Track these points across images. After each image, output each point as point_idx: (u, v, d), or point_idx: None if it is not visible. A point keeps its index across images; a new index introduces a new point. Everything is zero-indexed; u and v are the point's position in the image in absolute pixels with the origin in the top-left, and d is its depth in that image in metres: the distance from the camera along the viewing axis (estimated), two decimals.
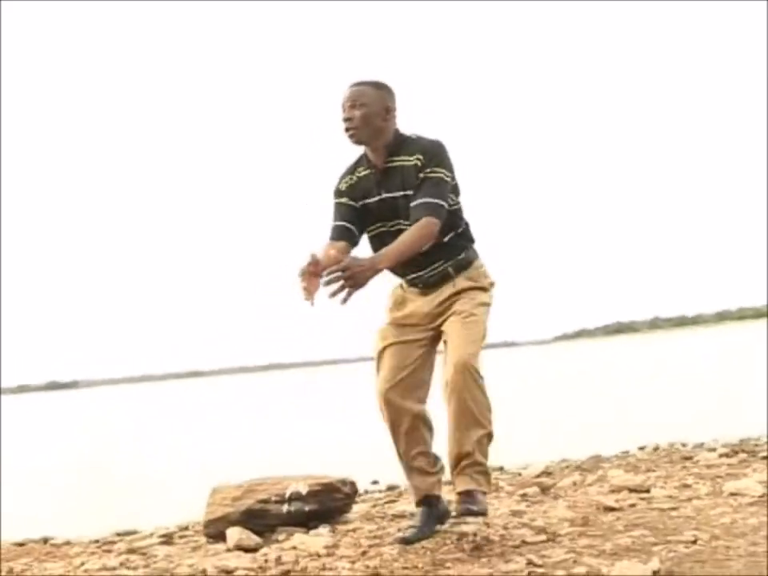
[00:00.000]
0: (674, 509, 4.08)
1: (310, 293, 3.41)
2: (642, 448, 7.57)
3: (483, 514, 3.65)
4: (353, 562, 3.45)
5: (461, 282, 3.76)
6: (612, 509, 4.17)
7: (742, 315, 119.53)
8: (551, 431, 11.22)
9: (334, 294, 3.28)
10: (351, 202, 3.77)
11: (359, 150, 3.80)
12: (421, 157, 3.62)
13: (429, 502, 3.79)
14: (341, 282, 3.26)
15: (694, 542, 3.41)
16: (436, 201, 3.57)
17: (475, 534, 3.69)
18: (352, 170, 3.82)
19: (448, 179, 3.64)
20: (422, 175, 3.60)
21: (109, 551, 4.43)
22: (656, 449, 7.32)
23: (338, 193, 3.82)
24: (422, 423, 3.73)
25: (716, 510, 3.97)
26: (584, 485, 5.12)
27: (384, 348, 3.78)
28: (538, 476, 5.72)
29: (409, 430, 3.71)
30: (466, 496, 3.59)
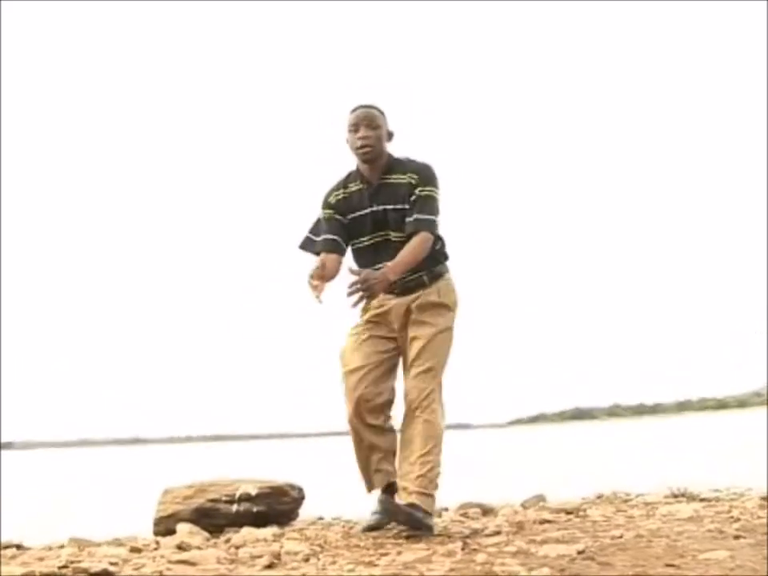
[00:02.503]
0: (606, 520, 4.43)
1: (319, 292, 3.92)
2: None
3: (430, 529, 3.92)
4: (299, 541, 3.74)
5: (431, 292, 4.19)
6: (548, 521, 4.50)
7: (703, 406, 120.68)
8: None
9: (355, 304, 3.82)
10: (339, 216, 4.22)
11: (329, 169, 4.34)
12: (414, 176, 4.12)
13: (392, 491, 4.18)
14: (360, 293, 3.77)
15: (620, 537, 3.75)
16: (430, 217, 4.07)
17: None
18: (343, 185, 4.28)
19: (438, 197, 4.13)
20: (416, 192, 4.08)
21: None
22: (599, 496, 7.62)
23: (328, 206, 4.27)
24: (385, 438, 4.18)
25: (646, 521, 4.31)
26: (524, 510, 5.45)
27: (356, 343, 4.19)
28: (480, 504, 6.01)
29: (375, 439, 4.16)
30: (413, 508, 3.90)
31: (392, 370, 4.20)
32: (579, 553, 3.31)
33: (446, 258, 4.29)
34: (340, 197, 4.24)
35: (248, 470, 5.16)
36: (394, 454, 4.16)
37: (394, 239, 4.12)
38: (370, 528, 4.14)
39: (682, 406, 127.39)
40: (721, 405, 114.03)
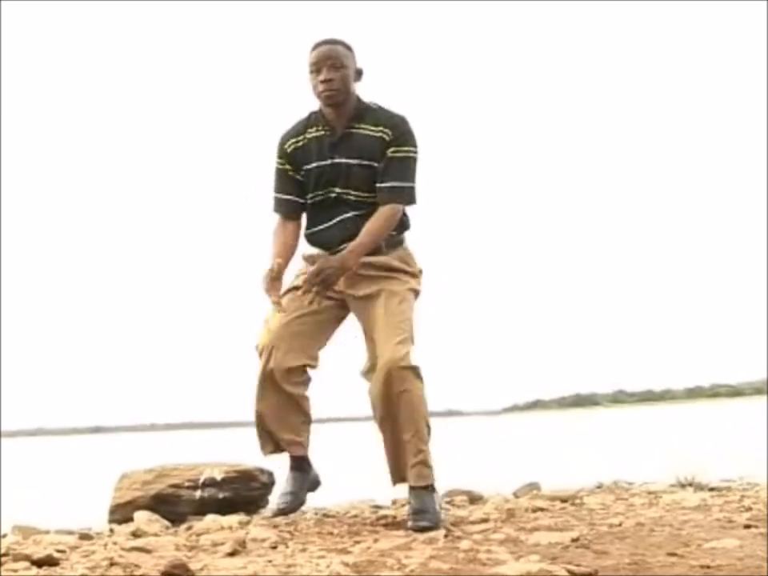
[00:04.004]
0: (604, 508, 4.44)
1: (280, 303, 3.83)
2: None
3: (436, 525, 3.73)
4: (266, 528, 3.74)
5: (392, 260, 4.00)
6: (540, 509, 4.50)
7: (714, 393, 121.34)
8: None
9: (310, 302, 3.71)
10: (293, 171, 4.02)
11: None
12: (388, 131, 3.90)
13: (301, 466, 4.13)
14: (315, 288, 3.67)
15: (619, 525, 3.76)
16: (404, 184, 3.90)
17: (395, 517, 4.01)
18: (301, 130, 4.05)
19: (414, 155, 3.94)
20: (389, 152, 3.88)
21: None
22: (599, 486, 7.65)
23: (284, 154, 4.05)
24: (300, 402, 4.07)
25: (648, 510, 4.32)
26: (515, 498, 5.45)
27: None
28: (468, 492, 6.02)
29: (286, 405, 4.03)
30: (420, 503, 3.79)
31: (322, 332, 4.06)
32: (573, 540, 3.31)
33: (406, 227, 4.10)
34: (299, 144, 4.02)
35: (217, 458, 5.13)
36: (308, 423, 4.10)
37: (353, 198, 3.95)
38: (282, 512, 4.07)
39: (693, 393, 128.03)
40: (735, 392, 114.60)
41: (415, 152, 3.95)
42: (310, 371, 4.06)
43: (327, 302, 3.94)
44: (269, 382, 3.96)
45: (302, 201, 4.05)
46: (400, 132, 3.92)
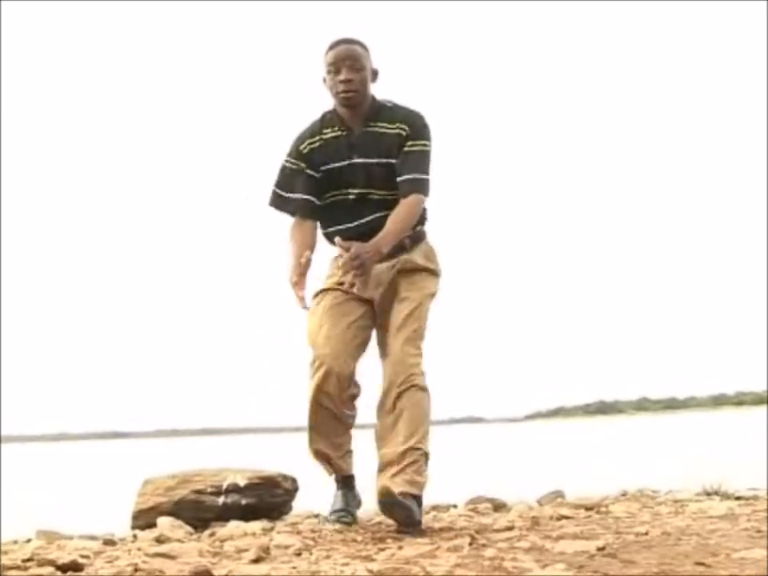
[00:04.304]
0: (630, 517, 4.41)
1: (303, 299, 3.86)
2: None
3: (418, 524, 3.83)
4: (290, 535, 3.73)
5: (416, 257, 4.07)
6: (565, 517, 4.48)
7: (740, 401, 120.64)
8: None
9: (351, 286, 3.72)
10: (311, 171, 4.02)
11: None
12: (405, 127, 3.95)
13: (351, 484, 4.20)
14: (353, 273, 3.66)
15: (645, 534, 3.73)
16: (423, 176, 3.94)
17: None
18: (317, 130, 4.05)
19: (430, 149, 3.97)
20: (406, 147, 3.92)
21: None
22: (624, 494, 7.61)
23: (300, 156, 4.05)
24: (350, 408, 4.10)
25: (674, 519, 4.29)
26: (539, 506, 5.43)
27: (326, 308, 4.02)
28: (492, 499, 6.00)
29: (340, 415, 4.06)
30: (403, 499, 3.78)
31: (362, 346, 4.07)
32: (599, 549, 3.28)
33: (426, 219, 4.16)
34: (315, 145, 4.03)
35: (239, 463, 5.13)
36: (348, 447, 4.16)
37: (375, 197, 3.99)
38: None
39: (718, 401, 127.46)
40: (760, 399, 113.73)
41: (430, 146, 3.99)
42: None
43: (362, 306, 4.02)
44: (325, 398, 3.98)
45: (317, 201, 4.06)
46: (417, 127, 3.98)
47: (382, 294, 4.04)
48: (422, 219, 4.10)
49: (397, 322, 3.96)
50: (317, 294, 4.06)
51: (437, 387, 4.03)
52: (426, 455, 3.89)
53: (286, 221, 4.13)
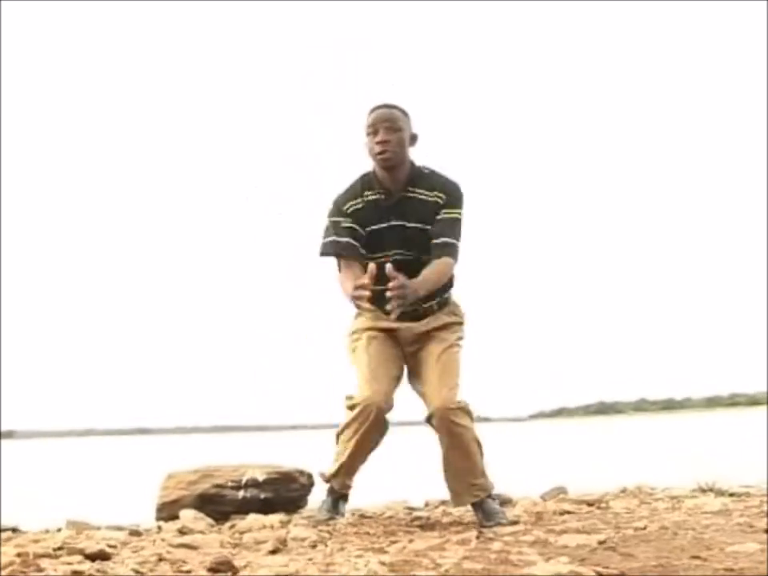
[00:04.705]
0: (629, 512, 4.41)
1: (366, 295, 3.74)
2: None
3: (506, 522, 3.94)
4: (306, 528, 3.74)
5: (443, 317, 4.11)
6: (568, 512, 4.48)
7: (733, 402, 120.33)
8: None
9: (394, 310, 3.61)
10: (356, 226, 3.96)
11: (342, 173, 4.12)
12: (442, 195, 3.95)
13: (346, 497, 4.21)
14: (396, 300, 3.57)
15: (644, 529, 3.73)
16: (455, 242, 3.93)
17: (428, 518, 4.00)
18: (358, 192, 4.00)
19: (462, 217, 3.98)
20: (443, 213, 3.92)
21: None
22: (623, 491, 7.60)
23: (343, 214, 3.97)
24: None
25: (671, 514, 4.29)
26: (543, 502, 5.43)
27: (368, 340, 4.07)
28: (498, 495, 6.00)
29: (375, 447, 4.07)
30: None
31: (400, 379, 4.12)
32: (600, 543, 3.29)
33: (451, 286, 4.18)
34: (358, 206, 3.98)
35: (257, 459, 5.14)
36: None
37: (411, 259, 3.93)
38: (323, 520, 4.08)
39: (712, 402, 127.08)
40: (753, 401, 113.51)
41: (462, 215, 3.98)
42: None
43: (395, 340, 4.08)
44: (371, 440, 4.01)
45: (362, 250, 3.97)
46: (453, 197, 3.97)
47: (407, 349, 4.11)
48: (450, 283, 4.13)
49: (430, 371, 4.00)
50: (353, 332, 4.13)
51: None
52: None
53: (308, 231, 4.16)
